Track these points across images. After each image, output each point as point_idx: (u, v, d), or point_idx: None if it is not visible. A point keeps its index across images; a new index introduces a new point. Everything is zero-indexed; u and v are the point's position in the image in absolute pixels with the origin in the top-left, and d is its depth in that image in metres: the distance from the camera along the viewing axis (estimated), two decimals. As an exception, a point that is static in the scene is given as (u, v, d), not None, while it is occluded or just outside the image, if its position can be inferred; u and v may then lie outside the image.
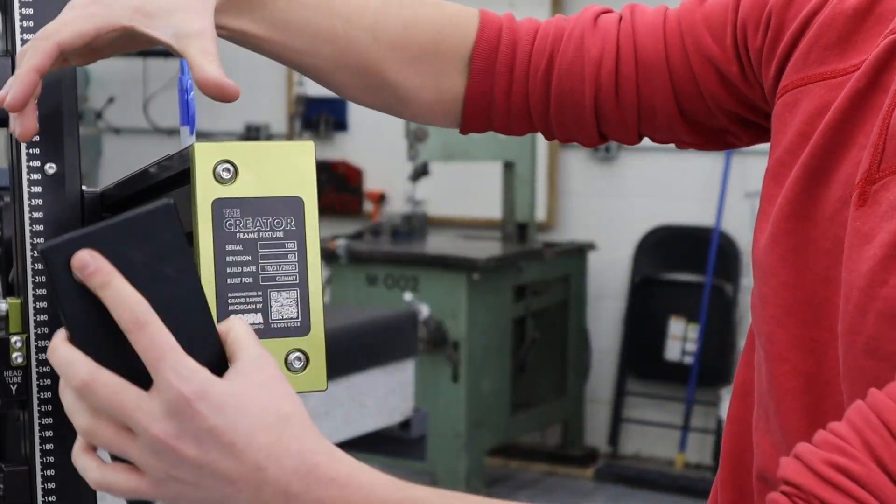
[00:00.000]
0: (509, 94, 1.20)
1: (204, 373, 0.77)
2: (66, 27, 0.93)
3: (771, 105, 1.08)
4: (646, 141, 1.23)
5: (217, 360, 0.79)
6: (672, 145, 1.24)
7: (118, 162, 6.55)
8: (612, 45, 1.17)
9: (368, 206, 6.15)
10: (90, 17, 0.95)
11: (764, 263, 1.02)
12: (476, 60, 1.19)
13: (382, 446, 3.51)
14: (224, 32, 1.07)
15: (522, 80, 1.19)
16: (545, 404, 5.47)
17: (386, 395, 3.34)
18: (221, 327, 0.81)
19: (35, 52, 0.92)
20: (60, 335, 0.79)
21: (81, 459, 0.81)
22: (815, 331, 0.97)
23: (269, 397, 0.78)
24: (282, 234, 0.86)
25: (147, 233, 0.78)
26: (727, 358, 5.36)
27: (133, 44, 1.02)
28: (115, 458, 0.79)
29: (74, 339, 0.78)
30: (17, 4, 0.97)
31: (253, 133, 6.40)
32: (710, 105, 1.15)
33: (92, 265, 0.77)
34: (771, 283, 1.01)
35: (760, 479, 1.03)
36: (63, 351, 0.78)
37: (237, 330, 0.80)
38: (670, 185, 5.50)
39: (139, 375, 0.77)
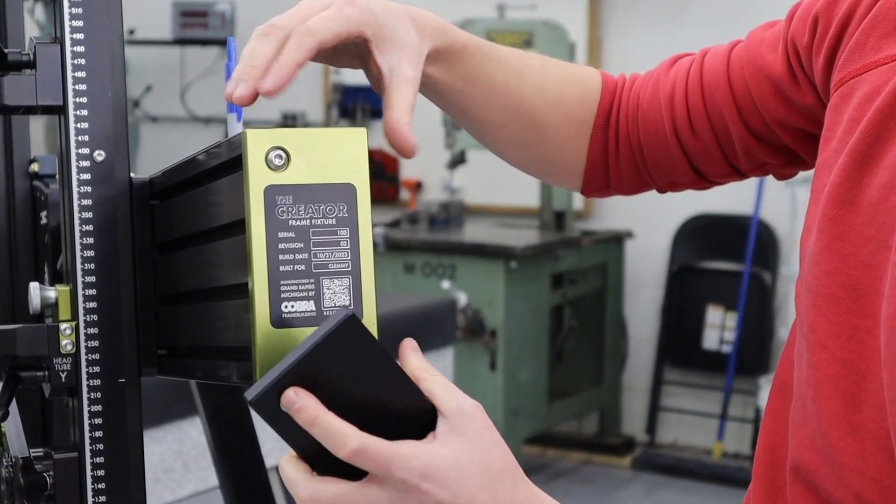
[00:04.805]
0: (617, 151, 1.26)
1: (424, 454, 0.83)
2: (327, 25, 0.96)
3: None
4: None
5: (427, 416, 0.85)
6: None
7: (156, 150, 6.58)
8: (683, 77, 1.22)
9: (405, 195, 6.14)
10: (346, 20, 0.98)
11: (809, 251, 1.02)
12: (596, 124, 1.25)
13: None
14: None
15: (624, 135, 1.25)
16: (582, 393, 5.46)
17: (425, 383, 3.33)
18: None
19: (299, 47, 0.94)
20: (286, 457, 0.85)
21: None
22: (857, 318, 0.97)
23: (484, 456, 0.85)
24: (334, 222, 0.85)
25: (338, 348, 0.81)
26: (765, 347, 5.32)
27: (344, 58, 1.05)
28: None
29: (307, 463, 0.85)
30: (65, -9, 0.97)
31: (290, 121, 6.41)
32: (769, 121, 1.17)
33: (297, 402, 0.81)
34: (814, 272, 1.00)
35: (794, 470, 1.02)
36: (287, 470, 0.85)
37: (431, 388, 0.86)
38: (708, 173, 5.45)
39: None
